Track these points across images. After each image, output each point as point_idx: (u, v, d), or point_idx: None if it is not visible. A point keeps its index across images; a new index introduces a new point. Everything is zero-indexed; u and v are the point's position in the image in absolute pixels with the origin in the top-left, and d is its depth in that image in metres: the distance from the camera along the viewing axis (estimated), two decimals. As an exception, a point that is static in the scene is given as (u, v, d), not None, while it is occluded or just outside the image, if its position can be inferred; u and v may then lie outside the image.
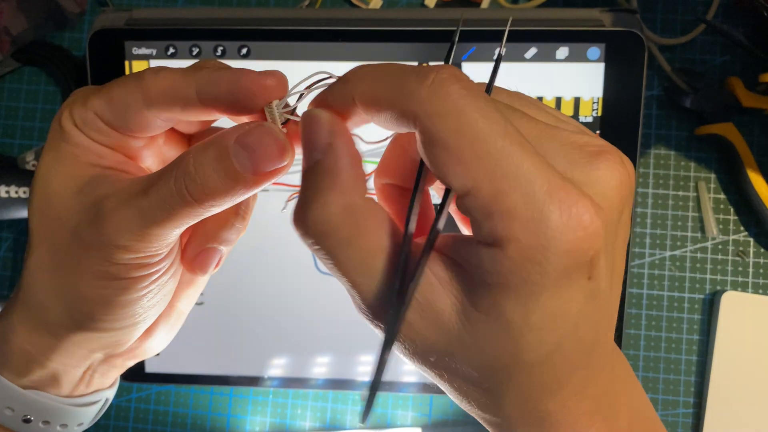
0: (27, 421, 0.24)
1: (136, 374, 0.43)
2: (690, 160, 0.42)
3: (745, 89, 0.39)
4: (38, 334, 0.24)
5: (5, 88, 0.45)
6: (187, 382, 0.43)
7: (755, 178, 0.40)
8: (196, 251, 0.25)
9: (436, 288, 0.18)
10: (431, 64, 0.20)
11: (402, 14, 0.40)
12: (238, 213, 0.26)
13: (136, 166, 0.24)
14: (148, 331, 0.26)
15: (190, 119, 0.24)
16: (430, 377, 0.20)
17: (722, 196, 0.41)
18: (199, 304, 0.42)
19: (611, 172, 0.17)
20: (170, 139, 0.26)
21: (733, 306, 0.40)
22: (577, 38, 0.38)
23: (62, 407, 0.25)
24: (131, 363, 0.27)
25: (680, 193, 0.42)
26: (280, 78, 0.21)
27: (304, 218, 0.19)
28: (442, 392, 0.43)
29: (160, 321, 0.27)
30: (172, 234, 0.22)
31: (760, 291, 0.41)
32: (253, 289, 0.42)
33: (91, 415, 0.27)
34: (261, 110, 0.22)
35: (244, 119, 0.23)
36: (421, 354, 0.19)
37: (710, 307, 0.42)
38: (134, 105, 0.22)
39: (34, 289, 0.23)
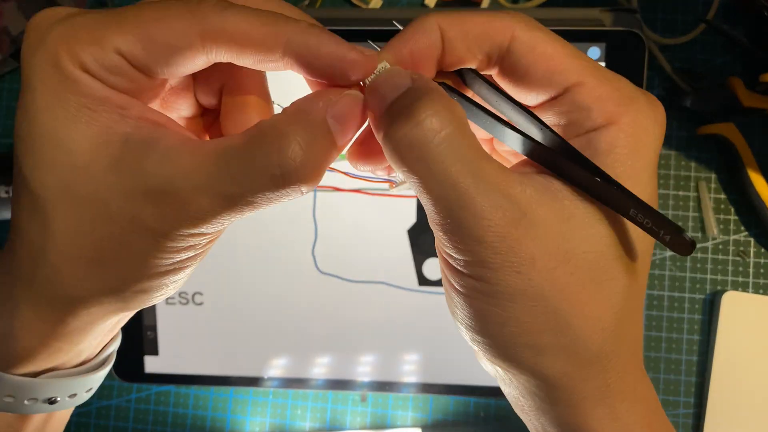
0: (53, 402, 0.23)
1: (136, 375, 0.43)
2: (690, 160, 0.42)
3: (746, 89, 0.39)
4: (63, 327, 0.21)
5: (5, 88, 0.45)
6: (187, 383, 0.43)
7: (756, 178, 0.40)
8: None
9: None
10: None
11: (402, 14, 0.40)
12: None
13: (159, 113, 0.20)
14: None
15: (254, 67, 0.20)
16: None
17: (723, 196, 0.41)
18: (198, 304, 0.42)
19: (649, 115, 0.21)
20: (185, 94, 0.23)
21: (734, 306, 0.40)
22: (577, 38, 0.38)
23: (85, 378, 0.24)
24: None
25: (681, 193, 0.42)
26: (375, 57, 0.20)
27: (402, 139, 0.18)
28: (441, 392, 0.43)
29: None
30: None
31: (761, 291, 0.41)
32: (253, 290, 0.42)
33: (107, 371, 0.26)
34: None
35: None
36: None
37: (711, 307, 0.42)
38: (187, 46, 0.18)
39: (61, 285, 0.20)
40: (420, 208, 0.40)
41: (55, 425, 0.26)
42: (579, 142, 0.20)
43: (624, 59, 0.38)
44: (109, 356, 0.25)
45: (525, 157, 0.21)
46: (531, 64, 0.20)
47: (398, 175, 0.23)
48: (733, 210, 0.41)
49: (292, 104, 0.20)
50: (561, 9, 0.40)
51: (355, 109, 0.20)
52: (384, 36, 0.38)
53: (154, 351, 0.43)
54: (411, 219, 0.40)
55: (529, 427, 0.23)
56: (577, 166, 0.19)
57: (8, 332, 0.21)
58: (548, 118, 0.21)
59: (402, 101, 0.19)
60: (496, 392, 0.42)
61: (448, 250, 0.19)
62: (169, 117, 0.21)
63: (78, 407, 0.45)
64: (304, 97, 0.20)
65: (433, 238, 0.41)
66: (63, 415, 0.27)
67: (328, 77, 0.20)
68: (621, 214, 0.19)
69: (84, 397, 0.24)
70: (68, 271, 0.19)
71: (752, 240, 0.41)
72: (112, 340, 0.26)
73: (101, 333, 0.23)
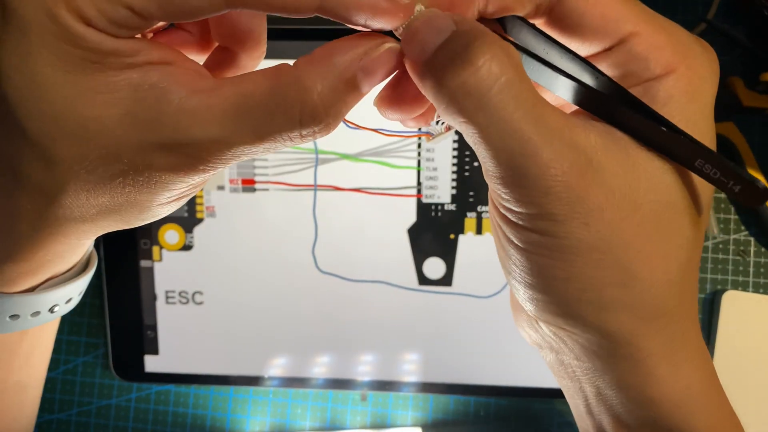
0: (53, 310, 0.24)
1: (136, 374, 0.43)
2: (690, 160, 0.42)
3: (746, 88, 0.39)
4: (58, 244, 0.21)
5: None
6: (187, 382, 0.44)
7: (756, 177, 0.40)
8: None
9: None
10: None
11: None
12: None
13: (166, 48, 0.19)
14: None
15: (281, 14, 0.20)
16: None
17: (723, 195, 0.41)
18: (199, 304, 0.42)
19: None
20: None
21: (734, 305, 0.40)
22: (577, 37, 0.38)
23: (77, 281, 0.24)
24: None
25: (681, 192, 0.42)
26: (412, 3, 0.19)
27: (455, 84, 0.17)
28: (442, 392, 0.43)
29: None
30: None
31: (761, 290, 0.41)
32: (254, 289, 0.42)
33: (93, 270, 0.26)
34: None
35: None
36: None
37: (711, 307, 0.42)
38: (209, 7, 0.17)
39: (60, 210, 0.20)
40: (420, 208, 0.40)
41: (45, 343, 0.28)
42: (635, 92, 0.19)
43: (624, 59, 0.38)
44: (90, 256, 0.26)
45: (577, 108, 0.20)
46: (584, 13, 0.19)
47: (434, 126, 0.22)
48: (733, 209, 0.41)
49: (322, 50, 0.19)
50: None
51: (388, 62, 0.19)
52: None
53: (155, 350, 0.43)
54: (411, 218, 0.40)
55: (574, 397, 0.23)
56: (638, 114, 0.18)
57: (5, 249, 0.21)
58: (601, 69, 0.20)
59: (451, 46, 0.17)
60: (496, 391, 0.42)
61: (508, 204, 0.19)
62: (177, 50, 0.19)
63: (78, 407, 0.45)
64: (335, 43, 0.19)
65: (433, 237, 0.41)
66: (50, 332, 0.28)
67: (361, 26, 0.19)
68: (686, 166, 0.19)
69: (64, 308, 0.25)
70: (65, 199, 0.19)
71: (752, 239, 0.41)
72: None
73: (79, 247, 0.23)
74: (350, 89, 0.18)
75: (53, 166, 0.18)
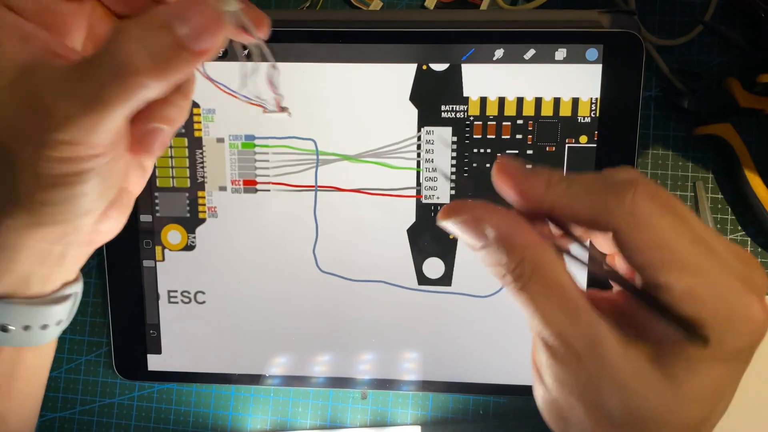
0: (4, 329, 0.24)
1: (138, 373, 0.44)
2: (688, 161, 0.42)
3: (743, 90, 0.40)
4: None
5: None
6: (189, 381, 0.44)
7: (752, 178, 0.40)
8: (139, 133, 0.24)
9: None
10: (619, 172, 0.21)
11: (402, 16, 0.40)
12: (181, 90, 0.25)
13: (66, 47, 0.22)
14: (102, 216, 0.26)
15: None
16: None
17: (720, 196, 0.42)
18: (201, 303, 0.43)
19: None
20: (97, 14, 0.24)
21: (731, 305, 0.41)
22: (575, 39, 0.38)
23: (39, 308, 0.25)
24: (90, 251, 0.27)
25: (678, 192, 0.42)
26: None
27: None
28: (441, 390, 0.44)
29: (113, 205, 0.26)
30: (118, 121, 0.21)
31: (758, 290, 0.41)
32: (255, 289, 0.42)
33: (67, 310, 0.27)
34: None
35: None
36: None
37: (708, 306, 0.42)
38: None
39: None
40: (419, 208, 0.41)
41: (25, 375, 0.27)
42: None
43: (622, 60, 0.38)
44: (68, 296, 0.26)
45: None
46: (635, 249, 0.20)
47: (269, 104, 0.24)
48: (730, 210, 0.42)
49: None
50: (559, 11, 0.40)
51: (201, 11, 0.20)
52: (384, 37, 0.39)
53: (157, 349, 0.43)
54: (411, 218, 0.41)
55: None
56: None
57: None
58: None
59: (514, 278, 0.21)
60: (495, 390, 0.42)
61: None
62: (76, 51, 0.23)
63: (80, 405, 0.45)
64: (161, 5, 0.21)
65: (432, 237, 0.41)
66: (32, 364, 0.27)
67: None
68: None
69: (40, 335, 0.26)
70: None
71: (749, 240, 0.42)
72: (72, 282, 0.27)
73: (39, 258, 0.24)
74: (162, 32, 0.20)
75: None
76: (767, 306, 0.20)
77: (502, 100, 0.39)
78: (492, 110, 0.39)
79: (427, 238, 0.41)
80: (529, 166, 0.22)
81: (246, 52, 0.23)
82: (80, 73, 0.20)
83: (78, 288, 0.28)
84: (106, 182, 0.24)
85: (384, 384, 0.42)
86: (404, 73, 0.39)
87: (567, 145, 0.39)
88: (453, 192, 0.40)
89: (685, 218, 0.20)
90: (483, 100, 0.39)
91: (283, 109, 0.24)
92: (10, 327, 0.24)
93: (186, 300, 0.43)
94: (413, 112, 0.40)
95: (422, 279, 0.41)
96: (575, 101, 0.39)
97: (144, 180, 0.28)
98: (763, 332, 0.20)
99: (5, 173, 0.22)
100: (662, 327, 0.20)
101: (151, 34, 0.20)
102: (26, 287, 0.25)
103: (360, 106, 0.40)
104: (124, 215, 0.27)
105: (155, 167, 0.41)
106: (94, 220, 0.25)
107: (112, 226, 0.27)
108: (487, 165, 0.40)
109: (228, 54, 0.39)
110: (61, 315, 0.26)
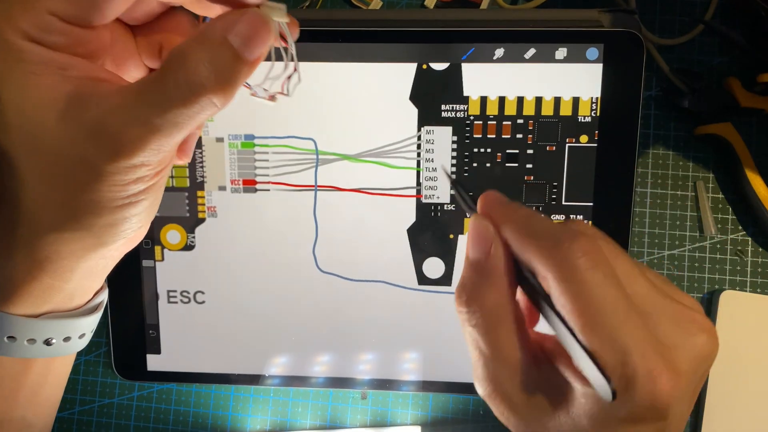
0: (49, 343, 0.25)
1: (138, 373, 0.44)
2: (688, 160, 0.42)
3: (743, 89, 0.39)
4: (51, 264, 0.23)
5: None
6: (188, 381, 0.44)
7: (753, 178, 0.40)
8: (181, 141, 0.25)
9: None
10: (575, 223, 0.23)
11: (402, 15, 0.40)
12: None
13: (106, 72, 0.23)
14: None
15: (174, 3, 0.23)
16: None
17: (720, 195, 0.42)
18: (200, 303, 0.42)
19: (707, 348, 0.22)
20: (115, 34, 0.25)
21: (732, 305, 0.41)
22: (575, 39, 0.38)
23: (79, 320, 0.26)
24: (120, 257, 0.27)
25: (679, 192, 0.42)
26: None
27: (463, 297, 0.23)
28: (441, 390, 0.44)
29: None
30: (183, 138, 0.22)
31: (759, 290, 0.41)
32: (255, 289, 0.42)
33: (98, 318, 0.28)
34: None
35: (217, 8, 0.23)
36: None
37: (709, 306, 0.42)
38: None
39: (39, 226, 0.23)
40: (419, 208, 0.41)
41: (54, 381, 0.28)
42: None
43: (623, 60, 0.38)
44: (98, 304, 0.27)
45: None
46: (558, 298, 0.21)
47: (260, 90, 0.25)
48: (730, 209, 0.42)
49: (205, 25, 0.21)
50: (560, 10, 0.40)
51: (254, 24, 0.21)
52: (384, 37, 0.39)
53: (156, 349, 0.43)
54: (411, 218, 0.41)
55: None
56: None
57: (4, 274, 0.23)
58: None
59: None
60: (495, 390, 0.42)
61: None
62: (114, 73, 0.23)
63: (80, 405, 0.45)
64: (214, 19, 0.22)
65: (432, 237, 0.41)
66: (60, 372, 0.28)
67: (229, 3, 0.22)
68: None
69: (77, 343, 0.26)
70: (40, 211, 0.22)
71: (750, 239, 0.42)
72: (101, 290, 0.28)
73: (88, 273, 0.25)
74: (224, 50, 0.20)
75: (15, 169, 0.22)
76: (673, 380, 0.20)
77: (502, 100, 0.39)
78: (492, 110, 0.39)
79: (427, 237, 0.41)
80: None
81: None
82: (146, 99, 0.20)
83: (105, 295, 0.28)
84: (160, 192, 0.24)
85: (384, 384, 0.42)
86: (404, 73, 0.39)
87: (567, 145, 0.39)
88: (453, 192, 0.40)
89: (616, 279, 0.21)
90: (483, 100, 0.39)
91: (272, 98, 0.25)
92: (53, 341, 0.25)
93: (185, 300, 0.42)
94: (413, 111, 0.40)
95: (422, 279, 0.41)
96: (576, 101, 0.39)
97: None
98: (667, 393, 0.20)
99: (71, 202, 0.22)
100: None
101: (213, 52, 0.20)
102: (70, 302, 0.25)
103: (360, 105, 0.40)
104: (152, 218, 0.28)
105: (155, 167, 0.41)
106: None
107: (144, 231, 0.27)
108: (487, 165, 0.40)
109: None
110: (95, 323, 0.27)
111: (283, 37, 0.23)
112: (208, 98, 0.20)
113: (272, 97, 0.25)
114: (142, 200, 0.23)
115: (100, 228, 0.23)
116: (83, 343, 0.27)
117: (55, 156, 0.21)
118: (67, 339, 0.26)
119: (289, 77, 0.24)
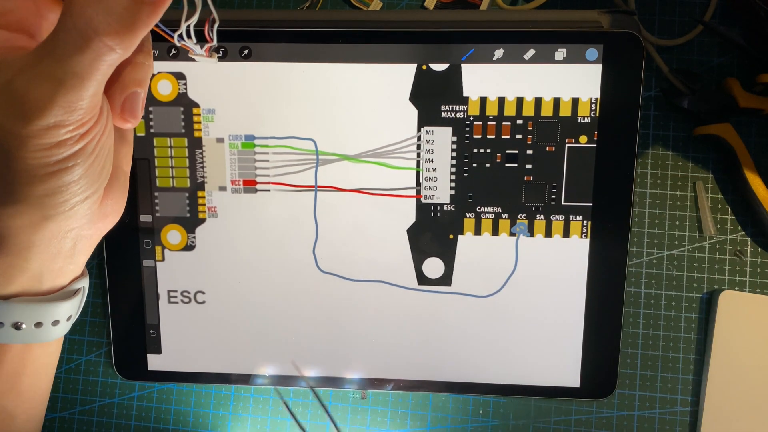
0: (18, 327, 0.24)
1: (138, 373, 0.44)
2: (688, 161, 0.42)
3: (743, 90, 0.40)
4: (4, 240, 0.23)
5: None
6: (189, 381, 0.44)
7: (752, 178, 0.40)
8: (119, 101, 0.24)
9: None
10: None
11: (402, 16, 0.40)
12: (143, 50, 0.25)
13: (28, 39, 0.22)
14: (104, 199, 0.26)
15: None
16: None
17: (720, 195, 0.42)
18: (201, 303, 0.43)
19: None
20: (44, 1, 0.24)
21: (731, 305, 0.41)
22: (575, 39, 0.38)
23: (51, 305, 0.25)
24: (96, 241, 0.27)
25: (678, 192, 0.42)
26: None
27: None
28: (441, 390, 0.44)
29: (112, 186, 0.26)
30: (95, 92, 0.21)
31: (758, 290, 0.42)
32: (255, 289, 0.42)
33: (76, 305, 0.27)
34: None
35: None
36: None
37: (708, 306, 0.42)
38: None
39: None
40: (419, 208, 0.41)
41: (35, 371, 0.27)
42: None
43: (622, 60, 0.38)
44: (76, 291, 0.27)
45: None
46: None
47: (194, 46, 0.24)
48: (730, 210, 0.42)
49: None
50: (559, 11, 0.40)
51: None
52: (384, 37, 0.39)
53: (157, 349, 0.43)
54: (410, 219, 0.41)
55: None
56: None
57: None
58: None
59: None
60: (494, 390, 0.42)
61: None
62: (33, 39, 0.22)
63: (80, 405, 0.45)
64: None
65: (432, 237, 0.41)
66: (41, 362, 0.27)
67: None
68: None
69: (51, 331, 0.26)
70: None
71: (749, 239, 0.42)
72: (80, 277, 0.27)
73: (52, 253, 0.24)
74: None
75: None
76: None
77: (501, 100, 0.39)
78: (492, 110, 0.39)
79: (427, 238, 0.41)
80: None
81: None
82: (44, 53, 0.20)
83: (85, 282, 0.28)
84: (100, 160, 0.23)
85: (384, 384, 0.42)
86: (404, 73, 0.39)
87: (567, 145, 0.40)
88: (453, 192, 0.40)
89: None
90: (483, 100, 0.39)
91: (210, 55, 0.24)
92: (22, 325, 0.24)
93: (186, 300, 0.43)
94: (413, 112, 0.40)
95: (422, 279, 0.41)
96: (575, 101, 0.39)
97: (130, 153, 0.28)
98: None
99: (2, 173, 0.22)
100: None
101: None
102: (39, 284, 0.25)
103: (360, 106, 0.40)
104: (123, 195, 0.27)
105: (155, 167, 0.41)
106: (97, 204, 0.25)
107: (114, 208, 0.27)
108: (487, 165, 0.40)
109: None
110: (71, 310, 0.27)
111: None
112: (101, 41, 0.20)
113: (209, 51, 0.24)
114: (73, 166, 0.22)
115: (36, 199, 0.22)
116: (59, 331, 0.26)
117: None
118: (38, 325, 0.25)
119: (207, 21, 0.23)
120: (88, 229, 0.25)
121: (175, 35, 0.23)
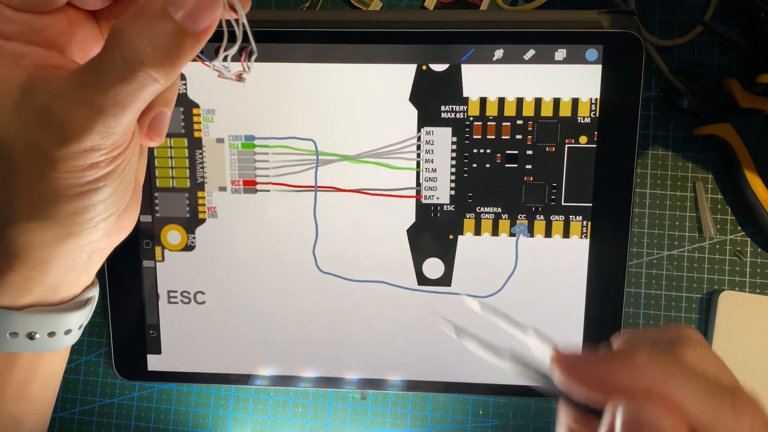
0: (32, 337, 0.25)
1: (138, 373, 0.44)
2: (687, 161, 0.42)
3: (743, 90, 0.40)
4: (25, 254, 0.23)
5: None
6: (189, 381, 0.44)
7: (752, 179, 0.40)
8: (147, 121, 0.24)
9: None
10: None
11: (402, 16, 0.40)
12: None
13: (63, 58, 0.23)
14: (121, 214, 0.26)
15: None
16: None
17: (719, 196, 0.42)
18: (201, 303, 0.43)
19: None
20: (75, 20, 0.24)
21: (731, 305, 0.41)
22: (575, 40, 0.38)
23: (65, 314, 0.25)
24: (109, 252, 0.27)
25: (678, 193, 0.42)
26: None
27: None
28: (441, 390, 0.44)
29: (129, 200, 0.27)
30: (133, 118, 0.21)
31: (757, 290, 0.42)
32: (255, 289, 0.42)
33: (87, 314, 0.27)
34: None
35: None
36: None
37: (708, 307, 0.42)
38: None
39: (6, 217, 0.23)
40: (419, 209, 0.41)
41: (44, 378, 0.27)
42: None
43: (622, 61, 0.38)
44: (87, 300, 0.27)
45: None
46: None
47: (224, 68, 0.24)
48: (729, 210, 0.42)
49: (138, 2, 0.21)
50: (559, 11, 0.40)
51: None
52: (384, 38, 0.39)
53: (157, 350, 0.43)
54: (410, 219, 0.41)
55: None
56: None
57: None
58: None
59: None
60: (495, 390, 0.42)
61: None
62: (73, 60, 0.23)
63: (80, 405, 0.45)
64: None
65: (432, 238, 0.41)
66: (50, 369, 0.28)
67: None
68: None
69: (63, 340, 0.26)
70: (3, 203, 0.22)
71: (749, 240, 0.42)
72: (90, 286, 0.27)
73: (69, 266, 0.25)
74: (163, 22, 0.19)
75: None
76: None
77: (501, 101, 0.39)
78: (492, 110, 0.39)
79: (427, 238, 0.41)
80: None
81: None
82: (87, 79, 0.20)
83: (96, 291, 0.28)
84: (127, 179, 0.24)
85: (384, 384, 0.42)
86: (404, 74, 0.39)
87: (567, 146, 0.40)
88: (453, 192, 0.40)
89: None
90: (483, 101, 0.39)
91: (240, 80, 0.24)
92: (36, 335, 0.25)
93: (186, 300, 0.43)
94: (413, 112, 0.40)
95: (422, 279, 0.41)
96: (575, 101, 0.39)
97: (145, 165, 0.28)
98: None
99: (31, 191, 0.22)
100: None
101: (151, 26, 0.19)
102: (53, 295, 0.25)
103: (360, 106, 0.40)
104: (137, 207, 0.28)
105: (155, 167, 0.41)
106: (116, 218, 0.25)
107: (129, 221, 0.27)
108: (487, 165, 0.40)
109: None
110: (83, 319, 0.27)
111: (233, 8, 0.22)
112: (146, 73, 0.20)
113: (239, 77, 0.24)
114: (103, 187, 0.22)
115: (64, 217, 0.22)
116: (70, 340, 0.27)
117: (12, 146, 0.21)
118: (51, 334, 0.25)
119: (245, 51, 0.23)
120: (104, 242, 0.26)
121: (211, 63, 0.23)
